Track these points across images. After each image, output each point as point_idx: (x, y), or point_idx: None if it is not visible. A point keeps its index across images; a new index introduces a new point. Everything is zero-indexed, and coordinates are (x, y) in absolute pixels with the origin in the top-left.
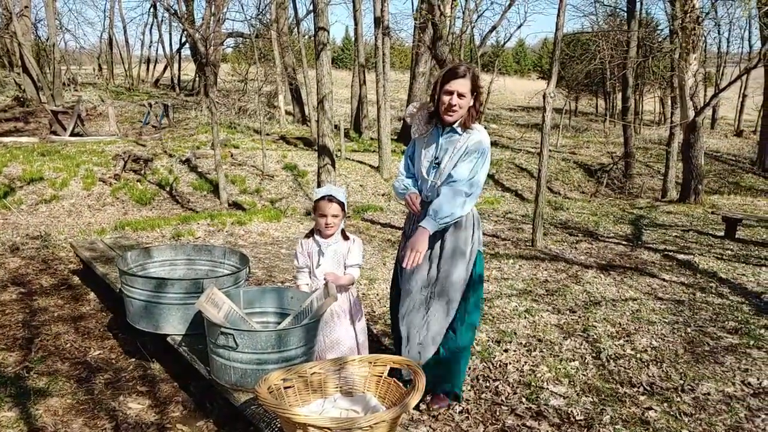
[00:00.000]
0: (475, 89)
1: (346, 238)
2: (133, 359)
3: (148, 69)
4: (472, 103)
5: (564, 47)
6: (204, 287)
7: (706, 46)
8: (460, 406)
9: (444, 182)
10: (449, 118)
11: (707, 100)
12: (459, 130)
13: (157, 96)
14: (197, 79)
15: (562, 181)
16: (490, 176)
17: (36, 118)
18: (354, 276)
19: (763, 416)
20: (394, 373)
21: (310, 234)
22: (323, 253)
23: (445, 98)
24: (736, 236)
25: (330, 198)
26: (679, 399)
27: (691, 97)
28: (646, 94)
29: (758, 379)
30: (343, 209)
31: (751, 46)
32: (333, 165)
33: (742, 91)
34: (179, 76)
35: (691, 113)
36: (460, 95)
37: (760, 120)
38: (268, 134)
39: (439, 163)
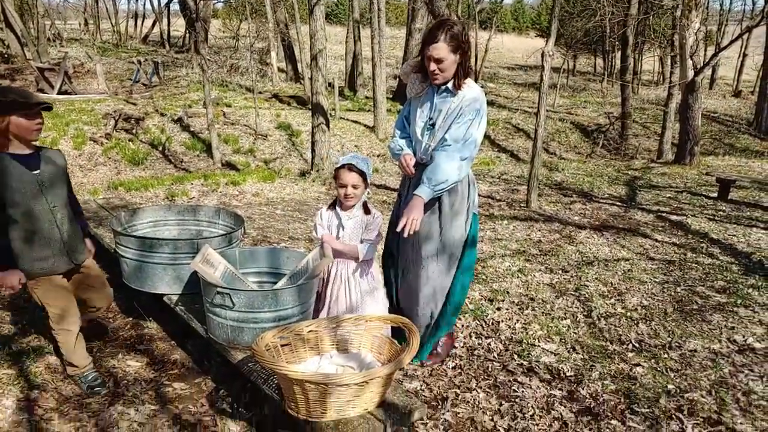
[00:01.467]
0: (459, 47)
1: (367, 212)
2: (130, 318)
3: (135, 24)
4: (459, 61)
5: (563, 3)
6: (199, 247)
7: (708, 3)
8: (453, 362)
9: (438, 145)
10: (435, 82)
11: (707, 60)
12: (453, 90)
13: (147, 53)
14: (187, 35)
15: (559, 142)
16: (486, 137)
17: (22, 75)
18: (358, 250)
19: (747, 372)
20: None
21: (333, 205)
22: (343, 226)
23: (426, 63)
24: (729, 197)
25: (350, 167)
26: (666, 356)
27: (691, 56)
28: (646, 53)
29: (744, 337)
30: (364, 179)
31: (754, 4)
32: (327, 124)
33: (742, 51)
34: (168, 32)
35: (691, 73)
36: (438, 60)
37: (759, 80)
38: (260, 92)
39: (433, 124)
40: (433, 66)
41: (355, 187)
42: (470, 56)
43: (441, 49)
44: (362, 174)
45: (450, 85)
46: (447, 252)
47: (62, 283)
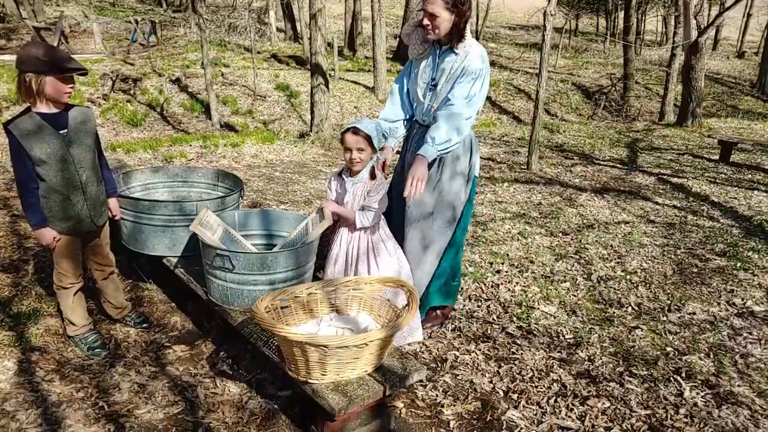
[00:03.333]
0: (455, 7)
1: (373, 177)
2: (130, 281)
3: None
4: (455, 21)
5: None
6: (198, 209)
7: None
8: (452, 324)
9: (441, 104)
10: (427, 36)
11: (712, 20)
12: (456, 50)
13: (143, 12)
14: None
15: (560, 104)
16: (487, 98)
17: (18, 35)
18: (356, 217)
19: (745, 334)
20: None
21: (342, 171)
22: (347, 191)
23: (423, 17)
24: (731, 160)
25: (355, 130)
26: (665, 318)
27: (695, 15)
28: (649, 12)
29: (743, 300)
30: (371, 143)
31: None
32: (326, 85)
33: (746, 11)
34: None
35: (695, 33)
36: (431, 15)
37: (763, 41)
38: (259, 52)
39: (435, 85)
40: (426, 21)
41: (360, 150)
42: (468, 18)
43: (435, 4)
44: (368, 138)
45: (458, 47)
46: (444, 213)
47: (76, 246)
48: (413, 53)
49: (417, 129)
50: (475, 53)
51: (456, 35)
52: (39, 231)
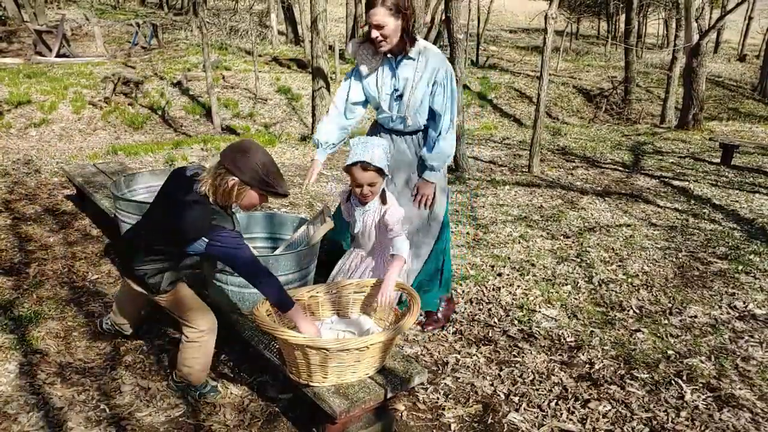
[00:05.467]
0: (399, 11)
1: (384, 201)
2: None
3: None
4: (403, 26)
5: None
6: None
7: None
8: (453, 327)
9: (438, 126)
10: (380, 50)
11: (713, 23)
12: (411, 54)
13: (145, 15)
14: None
15: (561, 107)
16: (488, 101)
17: (19, 38)
18: (400, 253)
19: (747, 338)
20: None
21: (349, 196)
22: (357, 220)
23: (370, 31)
24: (732, 163)
25: (364, 166)
26: (666, 321)
27: (697, 18)
28: (650, 15)
29: (744, 303)
30: (382, 174)
31: None
32: (328, 88)
33: (748, 14)
34: None
35: (696, 36)
36: (377, 26)
37: (764, 44)
38: (260, 55)
39: (401, 96)
40: (375, 33)
41: (371, 185)
42: (413, 20)
43: (379, 14)
44: (380, 170)
45: (412, 52)
46: (432, 224)
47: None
48: (366, 70)
49: (384, 134)
50: (433, 58)
51: (408, 40)
52: (297, 314)
